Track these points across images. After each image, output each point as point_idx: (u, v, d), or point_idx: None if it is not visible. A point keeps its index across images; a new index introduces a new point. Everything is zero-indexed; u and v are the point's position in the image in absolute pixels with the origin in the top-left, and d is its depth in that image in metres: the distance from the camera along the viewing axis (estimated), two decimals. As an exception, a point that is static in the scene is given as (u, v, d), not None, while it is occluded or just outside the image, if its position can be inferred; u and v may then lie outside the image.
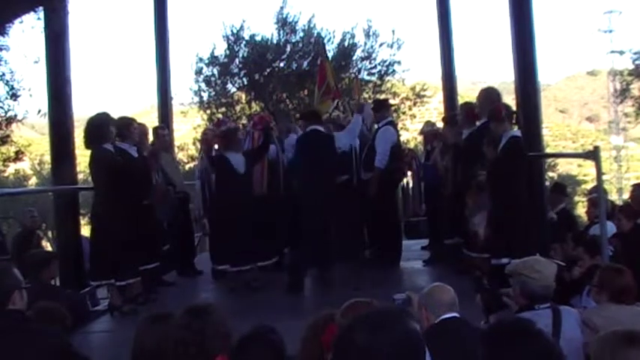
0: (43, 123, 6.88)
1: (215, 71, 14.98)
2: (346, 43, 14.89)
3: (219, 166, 6.18)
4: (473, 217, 5.54)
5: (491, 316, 3.21)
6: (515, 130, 5.05)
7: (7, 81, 8.32)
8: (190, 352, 2.36)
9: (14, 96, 8.41)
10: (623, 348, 2.17)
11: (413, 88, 16.74)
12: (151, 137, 6.75)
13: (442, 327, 2.79)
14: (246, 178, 6.12)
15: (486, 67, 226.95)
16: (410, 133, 17.28)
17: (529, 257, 3.33)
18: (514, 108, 5.63)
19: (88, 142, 5.35)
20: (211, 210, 6.62)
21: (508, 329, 1.88)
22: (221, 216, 6.17)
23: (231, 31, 14.63)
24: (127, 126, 5.75)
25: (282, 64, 14.65)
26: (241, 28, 14.68)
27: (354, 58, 15.01)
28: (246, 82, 14.87)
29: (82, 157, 5.75)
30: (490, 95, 5.82)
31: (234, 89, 15.27)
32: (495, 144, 5.13)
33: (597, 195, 5.07)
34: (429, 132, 7.52)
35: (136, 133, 5.89)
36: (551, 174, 25.62)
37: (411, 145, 16.56)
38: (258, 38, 14.74)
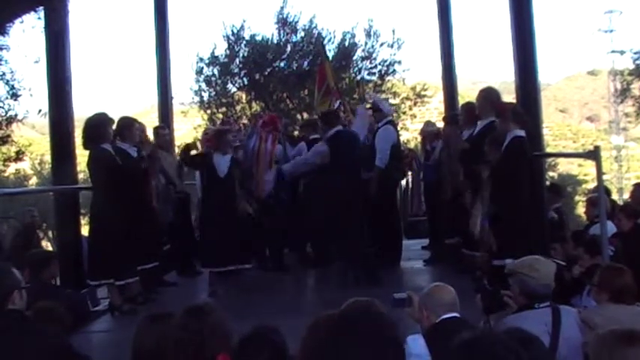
0: (44, 123, 6.88)
1: (215, 71, 14.97)
2: (346, 43, 14.87)
3: (202, 164, 6.19)
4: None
5: (491, 316, 3.21)
6: (519, 130, 5.04)
7: (8, 81, 8.33)
8: (189, 352, 2.35)
9: (14, 96, 8.42)
10: (622, 347, 2.17)
11: (413, 88, 16.72)
12: (151, 137, 6.76)
13: (442, 327, 2.78)
14: (228, 181, 6.08)
15: (487, 67, 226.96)
16: (410, 133, 17.27)
17: (528, 256, 3.32)
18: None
19: (86, 143, 5.35)
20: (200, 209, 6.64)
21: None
22: (203, 216, 6.23)
23: (232, 30, 14.63)
24: (129, 126, 5.75)
25: (282, 64, 14.64)
26: (242, 27, 14.67)
27: (355, 57, 15.01)
28: (246, 82, 14.86)
29: (83, 156, 5.75)
30: (489, 95, 5.81)
31: (234, 89, 15.27)
32: (498, 143, 5.13)
33: (597, 195, 5.07)
34: (429, 132, 7.51)
35: (137, 133, 5.89)
36: (551, 174, 25.61)
37: (411, 145, 16.56)
38: (258, 38, 14.74)
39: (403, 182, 7.88)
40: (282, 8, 14.72)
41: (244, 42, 14.68)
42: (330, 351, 1.33)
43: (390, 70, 15.17)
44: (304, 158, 6.47)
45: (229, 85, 15.17)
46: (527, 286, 3.07)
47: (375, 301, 2.77)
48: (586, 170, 35.39)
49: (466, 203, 5.76)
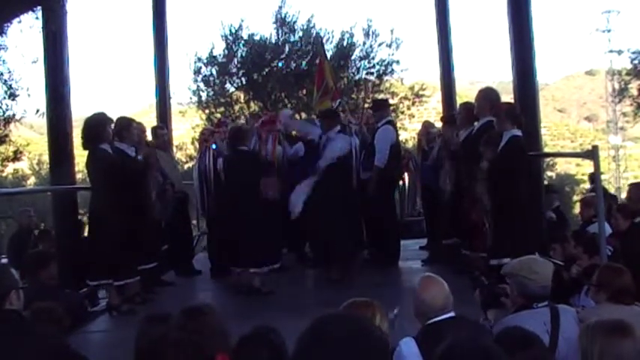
0: (42, 123, 6.87)
1: (213, 71, 14.96)
2: (345, 43, 14.88)
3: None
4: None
5: (489, 312, 3.20)
6: (516, 130, 5.06)
7: (6, 81, 8.28)
8: (189, 353, 2.35)
9: (12, 96, 8.38)
10: (613, 338, 2.18)
11: (411, 88, 16.72)
12: (149, 137, 6.75)
13: (433, 328, 2.77)
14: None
15: (485, 67, 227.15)
16: (408, 133, 17.27)
17: (526, 257, 3.30)
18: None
19: (85, 143, 5.34)
20: (220, 210, 6.39)
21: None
22: (231, 216, 5.95)
23: (230, 30, 14.62)
24: (127, 126, 5.75)
25: (280, 64, 14.64)
26: (240, 27, 14.66)
27: (353, 57, 15.00)
28: (244, 82, 14.85)
29: (81, 156, 5.75)
30: (488, 95, 5.82)
31: (232, 89, 15.26)
32: (493, 144, 5.13)
33: (594, 195, 5.07)
34: (428, 134, 7.50)
35: (136, 133, 5.89)
36: (549, 173, 25.67)
37: (410, 145, 16.56)
38: (256, 38, 14.73)
39: (401, 182, 7.87)
40: (280, 8, 14.72)
41: (242, 42, 14.67)
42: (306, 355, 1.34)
43: (389, 70, 15.18)
44: (331, 155, 6.29)
45: (227, 85, 15.16)
46: (526, 287, 3.06)
47: (373, 302, 2.77)
48: (584, 170, 35.41)
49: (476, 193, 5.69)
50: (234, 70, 14.80)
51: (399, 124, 14.74)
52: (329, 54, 13.82)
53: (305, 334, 1.36)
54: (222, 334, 2.51)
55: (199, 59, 14.86)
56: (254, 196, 5.85)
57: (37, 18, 6.28)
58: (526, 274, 3.07)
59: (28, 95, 8.37)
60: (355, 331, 1.34)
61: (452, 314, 2.84)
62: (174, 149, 11.30)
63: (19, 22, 6.73)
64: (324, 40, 14.07)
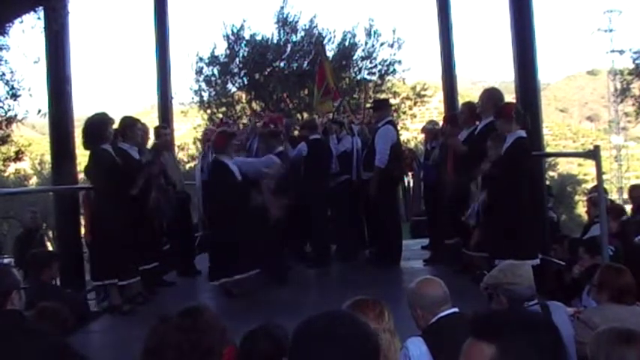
0: (44, 123, 6.88)
1: (215, 71, 14.98)
2: (347, 43, 14.88)
3: (218, 171, 5.92)
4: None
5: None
6: (521, 131, 5.05)
7: (7, 81, 8.30)
8: (186, 353, 2.36)
9: (14, 96, 8.39)
10: (619, 346, 2.18)
11: (413, 88, 16.71)
12: (152, 137, 6.76)
13: (440, 325, 2.77)
14: (244, 185, 5.96)
15: (486, 67, 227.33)
16: (410, 133, 17.27)
17: (503, 264, 3.32)
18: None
19: (86, 143, 5.35)
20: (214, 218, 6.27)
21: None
22: (221, 225, 5.88)
23: (232, 30, 14.64)
24: (131, 126, 5.75)
25: (282, 64, 14.64)
26: (242, 27, 14.69)
27: (355, 57, 15.00)
28: (246, 82, 14.86)
29: (83, 156, 5.76)
30: (493, 95, 5.83)
31: (234, 89, 15.28)
32: (502, 140, 5.13)
33: (597, 194, 5.06)
34: (430, 130, 7.51)
35: (139, 134, 5.89)
36: (551, 173, 25.62)
37: (412, 144, 16.55)
38: (258, 38, 14.74)
39: (406, 182, 7.87)
40: (282, 8, 14.74)
41: (244, 42, 14.69)
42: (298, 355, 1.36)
43: (390, 70, 15.17)
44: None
45: (229, 85, 15.18)
46: (514, 292, 3.06)
47: (380, 301, 2.76)
48: (586, 170, 35.39)
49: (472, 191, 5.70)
50: (236, 70, 14.81)
51: (400, 125, 14.75)
52: (331, 54, 13.83)
53: (295, 332, 1.38)
54: (220, 332, 2.51)
55: (201, 59, 14.89)
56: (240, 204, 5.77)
57: (39, 18, 6.29)
58: (510, 279, 3.08)
59: (30, 95, 8.39)
60: (343, 328, 1.36)
61: (455, 309, 2.84)
62: (176, 149, 11.31)
63: (21, 22, 6.74)
64: (325, 40, 14.10)
